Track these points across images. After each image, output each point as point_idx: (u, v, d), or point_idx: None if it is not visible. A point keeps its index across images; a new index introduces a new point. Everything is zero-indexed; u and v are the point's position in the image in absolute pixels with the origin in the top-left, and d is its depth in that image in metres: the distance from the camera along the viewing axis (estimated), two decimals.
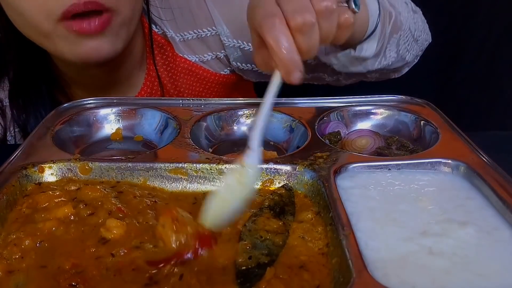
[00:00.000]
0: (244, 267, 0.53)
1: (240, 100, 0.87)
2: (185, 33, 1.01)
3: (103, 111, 0.84)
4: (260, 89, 1.23)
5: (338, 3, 0.65)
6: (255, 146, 0.59)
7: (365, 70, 0.94)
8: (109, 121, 0.83)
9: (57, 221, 0.59)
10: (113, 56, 0.86)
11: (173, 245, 0.54)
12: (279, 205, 0.62)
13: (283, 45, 0.61)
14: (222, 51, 1.02)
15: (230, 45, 1.00)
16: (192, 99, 0.86)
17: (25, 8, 0.78)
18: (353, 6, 0.68)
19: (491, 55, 1.57)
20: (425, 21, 1.05)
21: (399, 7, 0.95)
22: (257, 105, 0.84)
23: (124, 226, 0.58)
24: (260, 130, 0.60)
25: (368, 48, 0.87)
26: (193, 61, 1.03)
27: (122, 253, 0.55)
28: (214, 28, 0.99)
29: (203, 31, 1.00)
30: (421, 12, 1.05)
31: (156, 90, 1.04)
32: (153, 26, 1.00)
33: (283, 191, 0.65)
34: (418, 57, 1.05)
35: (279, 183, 0.68)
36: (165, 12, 0.99)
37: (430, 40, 1.07)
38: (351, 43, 0.86)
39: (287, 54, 0.61)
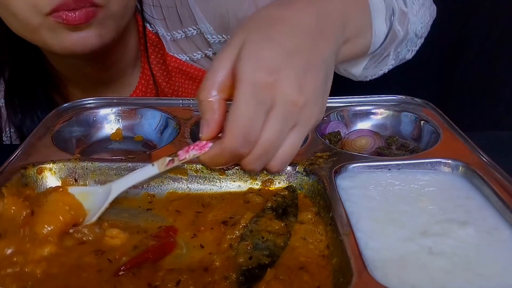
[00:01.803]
0: (244, 268, 0.53)
1: None
2: (174, 32, 1.01)
3: (103, 111, 0.84)
4: None
5: None
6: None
7: (355, 79, 0.92)
8: (109, 121, 0.83)
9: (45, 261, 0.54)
10: (99, 48, 0.84)
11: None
12: (282, 206, 0.62)
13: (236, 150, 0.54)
14: (210, 49, 1.02)
15: (216, 42, 1.00)
16: (192, 99, 0.86)
17: (15, 6, 0.78)
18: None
19: (491, 55, 1.56)
20: (432, 3, 0.98)
21: (409, 12, 0.89)
22: None
23: (127, 233, 0.58)
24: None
25: (358, 68, 0.84)
26: (183, 60, 1.03)
27: (119, 257, 0.55)
28: (197, 26, 0.99)
29: (189, 30, 1.00)
30: None
31: (151, 89, 1.04)
32: (148, 25, 1.00)
33: (287, 193, 0.65)
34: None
35: (279, 183, 0.68)
36: (157, 11, 0.99)
37: (435, 15, 0.99)
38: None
39: (229, 158, 0.56)
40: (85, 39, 0.81)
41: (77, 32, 0.80)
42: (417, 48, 0.97)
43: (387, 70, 0.92)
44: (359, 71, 0.85)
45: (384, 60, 0.89)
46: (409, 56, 0.97)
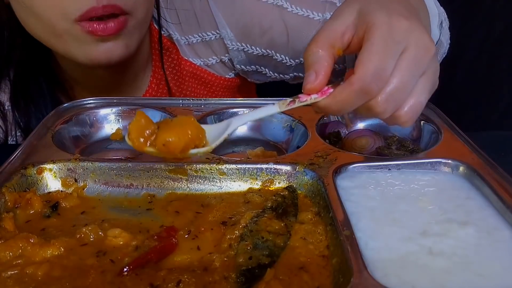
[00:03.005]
0: (244, 268, 0.53)
1: (240, 100, 0.87)
2: (189, 36, 1.00)
3: (103, 111, 0.84)
4: (262, 91, 1.23)
5: None
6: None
7: None
8: (109, 121, 0.83)
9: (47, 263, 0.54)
10: (125, 59, 0.85)
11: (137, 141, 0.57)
12: (282, 206, 0.62)
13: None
14: (227, 54, 1.02)
15: (234, 49, 1.00)
16: (192, 99, 0.86)
17: (41, 9, 0.78)
18: None
19: (491, 55, 1.57)
20: None
21: (446, 31, 0.93)
22: (257, 105, 0.84)
23: (128, 234, 0.58)
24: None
25: None
26: (198, 64, 1.03)
27: (121, 258, 0.55)
28: (218, 31, 0.99)
29: (207, 35, 1.00)
30: None
31: (161, 93, 1.04)
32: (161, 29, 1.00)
33: (286, 193, 0.65)
34: None
35: (279, 183, 0.68)
36: (170, 14, 0.99)
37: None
38: None
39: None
40: (112, 50, 0.81)
41: (104, 43, 0.80)
42: None
43: None
44: None
45: None
46: None
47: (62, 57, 0.94)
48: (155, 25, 0.99)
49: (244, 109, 0.83)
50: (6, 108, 0.99)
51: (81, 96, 1.02)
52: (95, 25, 0.77)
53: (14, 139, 1.00)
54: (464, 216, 0.59)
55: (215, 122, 0.82)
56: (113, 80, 0.99)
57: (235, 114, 0.83)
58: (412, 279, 0.50)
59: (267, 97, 0.87)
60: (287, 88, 1.12)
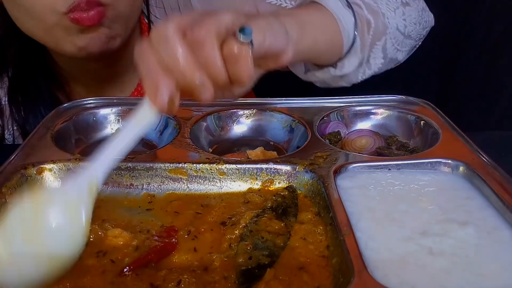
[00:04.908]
0: (244, 268, 0.53)
1: (240, 100, 0.87)
2: None
3: (103, 111, 0.84)
4: (260, 91, 1.23)
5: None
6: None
7: (349, 85, 0.92)
8: (109, 121, 0.83)
9: None
10: (111, 49, 0.87)
11: None
12: (282, 206, 0.62)
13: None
14: None
15: None
16: (192, 99, 0.86)
17: (31, 4, 0.81)
18: (240, 37, 0.53)
19: (491, 55, 1.56)
20: (423, 7, 0.96)
21: (382, 8, 0.89)
22: (257, 105, 0.84)
23: (128, 234, 0.58)
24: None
25: (350, 65, 0.84)
26: None
27: (122, 258, 0.55)
28: None
29: None
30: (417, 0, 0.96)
31: None
32: (151, 24, 1.01)
33: (286, 193, 0.65)
34: (420, 42, 0.97)
35: (279, 183, 0.68)
36: (160, 12, 1.01)
37: (432, 23, 0.98)
38: (330, 62, 0.83)
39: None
40: (95, 39, 0.85)
41: (87, 34, 0.84)
42: (408, 49, 0.96)
43: (377, 70, 0.91)
44: (354, 67, 0.84)
45: (372, 56, 0.88)
46: (400, 57, 0.95)
47: (56, 52, 0.96)
48: (145, 20, 1.01)
49: (244, 110, 0.83)
50: (3, 103, 1.00)
51: (75, 91, 1.04)
52: (80, 14, 0.81)
53: (11, 133, 1.01)
54: (464, 216, 0.59)
55: (215, 122, 0.82)
56: (104, 74, 1.00)
57: (234, 114, 0.83)
58: (412, 279, 0.50)
59: (266, 97, 0.87)
60: (283, 86, 1.12)
